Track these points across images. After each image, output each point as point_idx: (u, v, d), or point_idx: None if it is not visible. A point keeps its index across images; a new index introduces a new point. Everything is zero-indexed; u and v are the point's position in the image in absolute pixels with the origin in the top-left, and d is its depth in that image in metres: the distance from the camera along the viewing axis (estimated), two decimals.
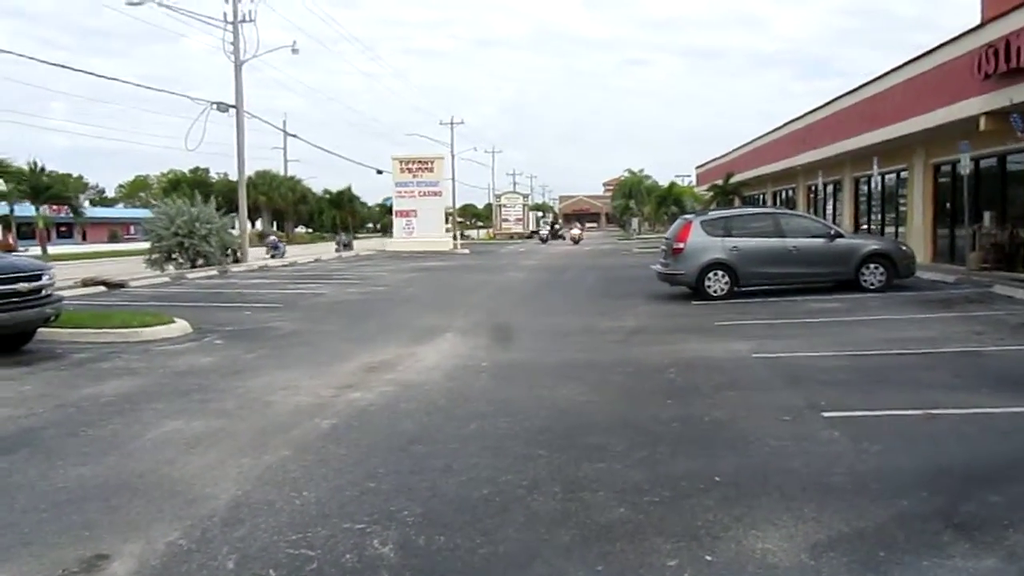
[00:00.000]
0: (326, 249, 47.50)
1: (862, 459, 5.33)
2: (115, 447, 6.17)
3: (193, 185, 70.51)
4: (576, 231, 60.77)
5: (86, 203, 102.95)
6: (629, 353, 9.85)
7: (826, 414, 6.48)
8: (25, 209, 24.78)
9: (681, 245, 15.55)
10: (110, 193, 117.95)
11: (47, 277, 10.44)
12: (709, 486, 4.87)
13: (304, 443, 6.16)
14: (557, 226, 73.43)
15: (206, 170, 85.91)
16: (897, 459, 5.35)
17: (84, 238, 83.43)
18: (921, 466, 5.19)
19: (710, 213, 17.27)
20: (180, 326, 12.27)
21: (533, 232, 68.46)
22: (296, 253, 40.73)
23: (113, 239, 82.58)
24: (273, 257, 36.79)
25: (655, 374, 8.44)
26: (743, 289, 15.56)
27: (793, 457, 5.41)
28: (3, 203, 22.93)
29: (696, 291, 15.43)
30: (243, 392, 8.07)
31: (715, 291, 15.24)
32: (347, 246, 47.70)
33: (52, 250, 45.17)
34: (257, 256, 34.25)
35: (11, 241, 35.76)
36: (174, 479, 5.39)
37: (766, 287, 15.78)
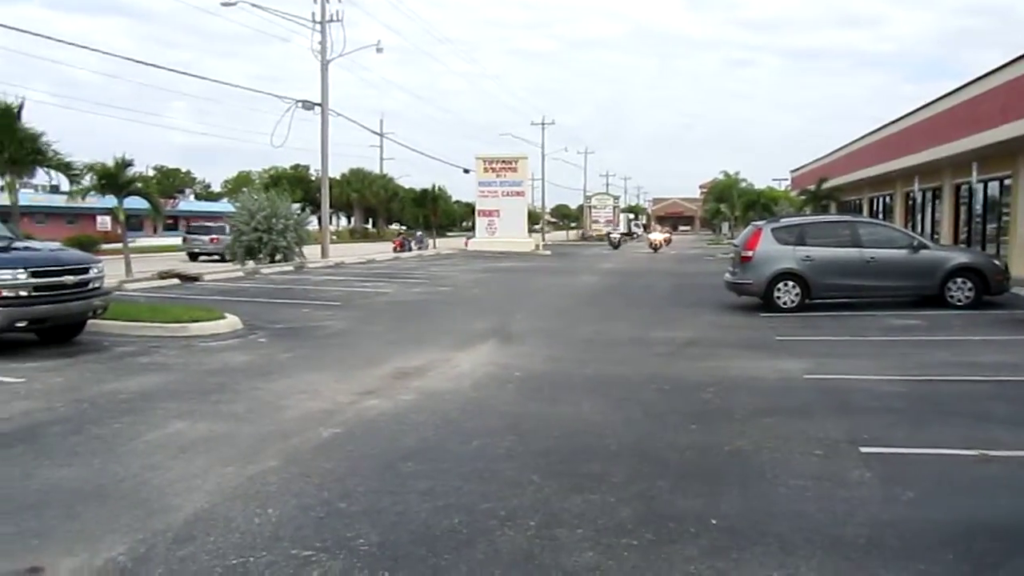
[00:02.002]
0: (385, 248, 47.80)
1: (889, 507, 4.68)
2: (108, 448, 6.04)
3: (292, 181, 72.75)
4: (657, 235, 52.52)
5: (191, 197, 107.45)
6: (671, 368, 9.26)
7: (864, 449, 5.81)
8: (135, 203, 25.83)
9: (750, 253, 14.73)
10: (216, 188, 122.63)
11: (95, 270, 10.58)
12: (700, 530, 4.33)
13: (296, 454, 5.89)
14: (636, 229, 69.27)
15: (306, 167, 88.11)
16: (930, 509, 4.68)
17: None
18: (956, 520, 4.52)
19: (782, 220, 16.31)
20: (230, 322, 12.30)
21: (608, 234, 60.14)
22: (378, 250, 41.23)
23: None
24: (418, 249, 44.23)
25: (690, 393, 7.85)
26: (816, 302, 14.64)
27: (809, 501, 4.80)
28: (108, 197, 23.87)
29: (765, 302, 14.59)
30: (260, 395, 7.91)
31: (784, 303, 14.38)
32: (420, 245, 48.34)
33: (146, 242, 47.14)
34: (371, 251, 34.73)
35: (118, 232, 37.21)
36: (149, 487, 5.20)
37: (842, 300, 14.82)
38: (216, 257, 33.91)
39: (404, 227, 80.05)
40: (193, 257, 36.78)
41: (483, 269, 29.08)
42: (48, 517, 4.65)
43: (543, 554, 4.08)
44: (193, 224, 48.23)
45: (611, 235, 58.63)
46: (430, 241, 52.32)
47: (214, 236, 37.29)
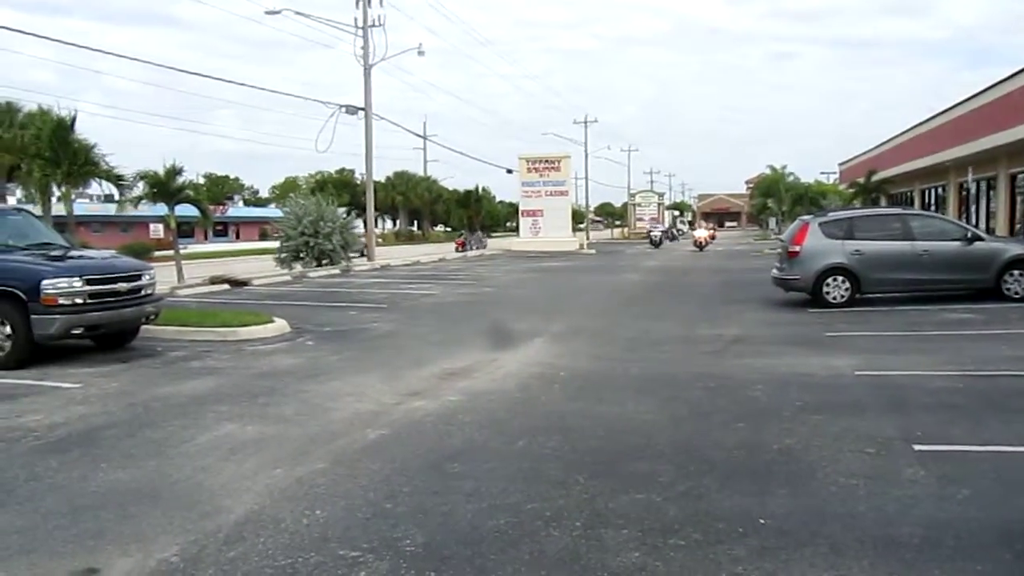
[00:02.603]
0: (451, 249, 48.28)
1: (944, 506, 4.56)
2: (162, 451, 6.17)
3: (338, 186, 73.61)
4: (702, 232, 48.61)
5: (240, 203, 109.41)
6: (718, 366, 9.15)
7: (918, 447, 5.67)
8: (186, 210, 26.49)
9: (797, 248, 14.49)
10: (264, 194, 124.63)
11: (147, 277, 10.81)
12: (749, 530, 4.27)
13: (343, 455, 5.96)
14: (681, 226, 66.56)
15: (351, 171, 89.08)
16: (986, 508, 4.55)
17: (237, 237, 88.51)
18: (1013, 519, 4.39)
19: (830, 214, 16.00)
20: (278, 326, 12.48)
21: (649, 232, 58.43)
22: (423, 252, 41.50)
23: (263, 237, 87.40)
24: (476, 249, 46.82)
25: (737, 391, 7.75)
26: (866, 296, 14.35)
27: (861, 500, 4.70)
28: (159, 205, 24.50)
29: (814, 298, 14.33)
30: (309, 397, 8.00)
31: (834, 298, 14.11)
32: (479, 245, 49.02)
33: (198, 248, 48.07)
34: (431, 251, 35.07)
35: (170, 239, 38.17)
36: (201, 488, 5.31)
37: (893, 295, 14.50)
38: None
39: (451, 228, 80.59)
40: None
41: (527, 269, 29.08)
42: (104, 518, 4.77)
43: (589, 554, 4.06)
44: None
45: (651, 233, 54.26)
46: (486, 241, 53.79)
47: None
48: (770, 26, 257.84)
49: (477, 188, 57.87)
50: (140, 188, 21.95)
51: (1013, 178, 25.85)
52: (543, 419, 6.89)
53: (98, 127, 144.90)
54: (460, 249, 48.28)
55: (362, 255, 31.01)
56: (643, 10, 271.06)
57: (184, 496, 5.16)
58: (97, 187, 21.83)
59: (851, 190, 46.53)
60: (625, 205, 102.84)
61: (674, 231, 65.69)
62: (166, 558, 4.19)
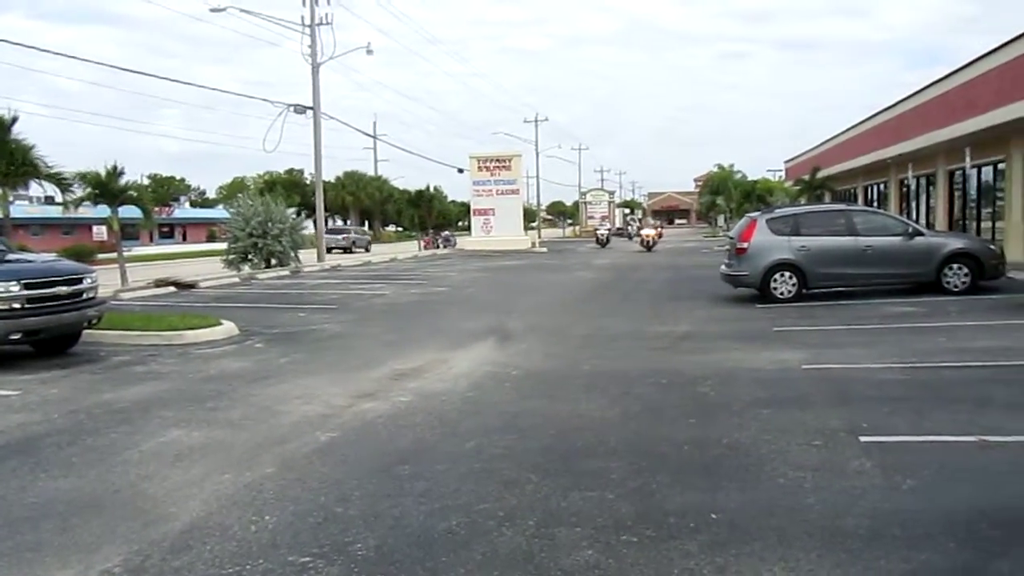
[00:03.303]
0: (406, 248, 48.08)
1: (889, 497, 4.64)
2: (104, 459, 6.00)
3: (288, 186, 72.56)
4: (650, 231, 43.52)
5: (186, 204, 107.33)
6: (669, 362, 9.23)
7: (864, 439, 5.78)
8: (130, 212, 25.86)
9: (745, 245, 14.70)
10: (211, 195, 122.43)
11: (88, 280, 10.52)
12: (700, 525, 4.30)
13: (292, 459, 5.86)
14: (631, 224, 65.35)
15: (301, 171, 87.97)
16: (931, 498, 4.65)
17: (184, 238, 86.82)
18: (956, 508, 4.49)
19: (777, 210, 16.27)
20: (226, 328, 12.24)
21: (619, 231, 57.18)
22: (375, 252, 41.16)
23: (211, 239, 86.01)
24: (445, 248, 48.53)
25: (688, 387, 7.82)
26: (812, 291, 14.62)
27: (809, 493, 4.76)
28: (102, 207, 23.90)
29: (762, 293, 14.56)
30: (258, 400, 7.87)
31: (781, 293, 14.36)
32: (446, 243, 49.51)
33: (143, 250, 47.06)
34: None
35: (114, 242, 37.30)
36: (145, 496, 5.17)
37: (839, 289, 14.80)
38: (341, 250, 47.77)
39: (402, 229, 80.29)
40: (329, 250, 46.70)
41: (480, 268, 29.03)
42: (43, 530, 4.62)
43: (541, 553, 4.04)
44: (330, 227, 63.06)
45: (598, 232, 51.43)
46: (455, 239, 54.47)
47: (344, 235, 54.04)
48: (721, 26, 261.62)
49: (429, 188, 57.53)
50: (81, 190, 21.35)
51: (951, 174, 26.58)
52: (495, 418, 6.87)
53: (39, 127, 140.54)
54: (427, 247, 49.84)
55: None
56: (595, 9, 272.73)
57: (127, 505, 5.02)
58: (39, 189, 21.21)
59: (797, 187, 47.38)
60: (576, 204, 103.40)
61: (630, 230, 65.37)
62: (108, 569, 4.07)
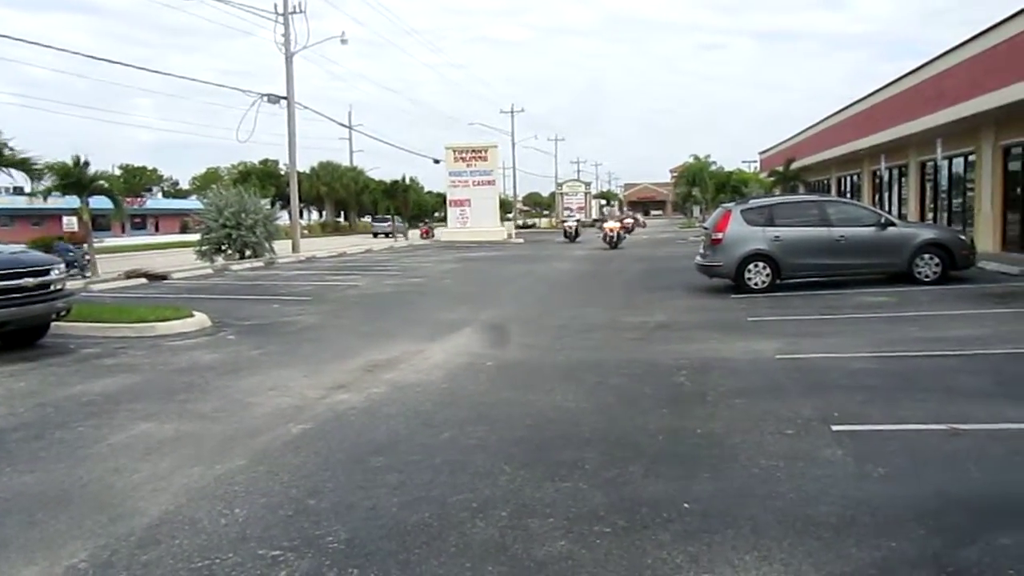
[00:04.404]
0: (381, 240, 47.82)
1: (860, 485, 4.67)
2: (72, 453, 5.91)
3: (262, 176, 71.89)
4: (613, 223, 35.41)
5: (159, 194, 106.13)
6: (644, 352, 9.25)
7: (836, 427, 5.81)
8: (102, 202, 25.43)
9: (720, 235, 14.77)
10: (184, 185, 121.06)
11: (56, 272, 10.36)
12: (673, 515, 4.30)
13: (264, 451, 5.79)
14: (605, 216, 62.91)
15: (275, 161, 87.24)
16: (901, 486, 4.68)
17: (157, 229, 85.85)
18: (926, 495, 4.52)
19: (751, 201, 16.35)
20: (198, 320, 12.11)
21: (596, 221, 54.50)
22: (350, 243, 40.94)
23: (184, 230, 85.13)
24: (428, 237, 50.19)
25: (663, 377, 7.83)
26: (786, 282, 14.72)
27: (781, 481, 4.78)
28: (72, 197, 23.46)
29: (736, 284, 14.64)
30: (230, 392, 7.77)
31: (755, 284, 14.44)
32: (389, 235, 49.31)
33: (115, 241, 46.43)
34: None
35: (84, 233, 36.79)
36: (114, 491, 5.09)
37: (812, 279, 14.91)
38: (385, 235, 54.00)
39: (372, 218, 79.84)
40: (375, 235, 52.14)
41: (455, 259, 28.95)
42: (8, 526, 4.53)
43: (515, 544, 4.03)
44: (376, 216, 69.56)
45: (566, 224, 45.02)
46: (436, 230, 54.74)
47: (389, 222, 58.64)
48: (698, 17, 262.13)
49: (404, 178, 57.44)
50: (50, 180, 20.98)
51: (923, 165, 26.86)
52: (469, 410, 6.84)
53: (8, 116, 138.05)
54: (425, 236, 52.06)
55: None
56: (574, 0, 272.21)
57: (95, 499, 4.94)
58: (7, 178, 20.76)
59: (771, 178, 47.69)
60: (553, 195, 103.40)
61: (596, 223, 64.68)
62: (74, 564, 4.00)
